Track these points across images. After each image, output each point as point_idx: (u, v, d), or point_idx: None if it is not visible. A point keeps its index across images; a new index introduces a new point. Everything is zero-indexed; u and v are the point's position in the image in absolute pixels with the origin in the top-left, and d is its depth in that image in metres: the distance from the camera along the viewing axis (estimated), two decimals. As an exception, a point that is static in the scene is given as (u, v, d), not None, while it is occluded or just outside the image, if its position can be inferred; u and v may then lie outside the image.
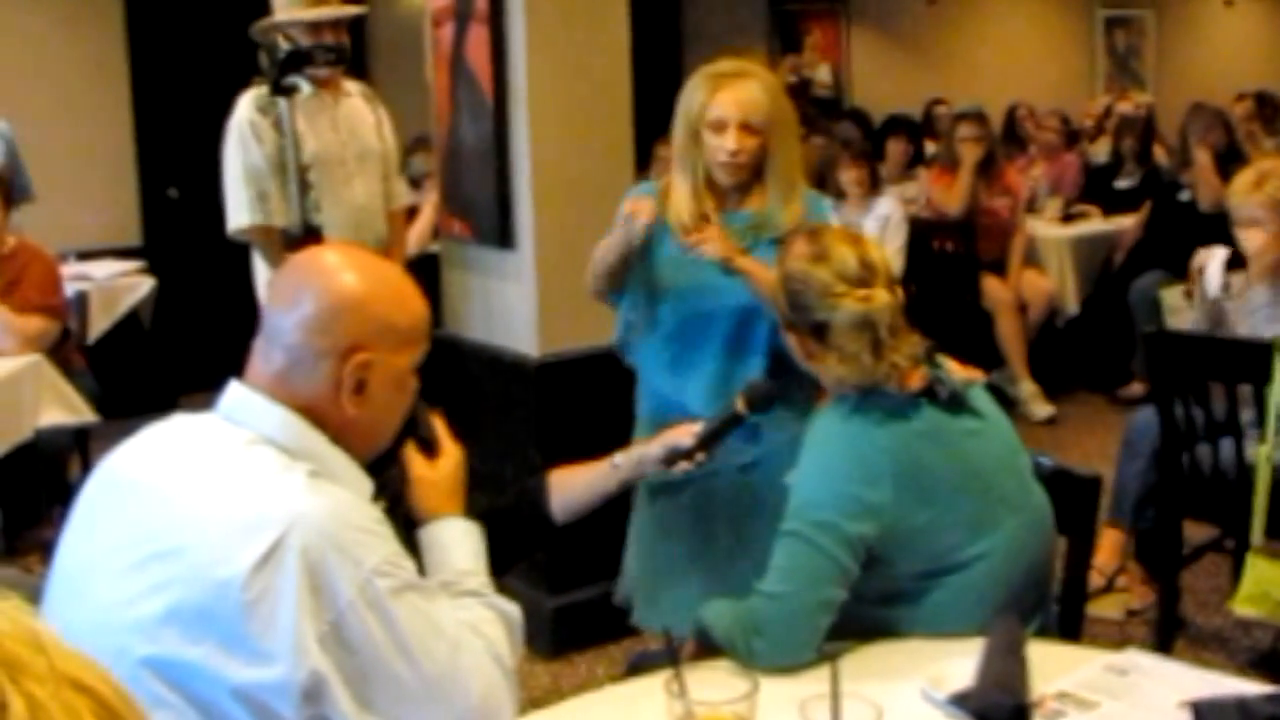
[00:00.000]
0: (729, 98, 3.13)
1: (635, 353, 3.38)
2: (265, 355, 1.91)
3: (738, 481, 3.19)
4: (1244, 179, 4.31)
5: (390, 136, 4.80)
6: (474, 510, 2.22)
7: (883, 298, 2.43)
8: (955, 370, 2.51)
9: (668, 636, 2.08)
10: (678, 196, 3.22)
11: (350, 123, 4.62)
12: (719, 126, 3.13)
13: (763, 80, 3.18)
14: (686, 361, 3.23)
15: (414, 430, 2.15)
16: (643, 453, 2.59)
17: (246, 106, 4.46)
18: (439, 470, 2.19)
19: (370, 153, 4.67)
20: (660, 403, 3.26)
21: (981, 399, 2.51)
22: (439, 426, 2.24)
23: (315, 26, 4.40)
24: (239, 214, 4.43)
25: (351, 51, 4.68)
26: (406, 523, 2.08)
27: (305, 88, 4.46)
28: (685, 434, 2.58)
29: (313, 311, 1.88)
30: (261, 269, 4.57)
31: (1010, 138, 9.52)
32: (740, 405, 2.60)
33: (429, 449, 2.19)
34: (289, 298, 1.91)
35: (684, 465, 2.58)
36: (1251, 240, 4.21)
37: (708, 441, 2.58)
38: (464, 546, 2.11)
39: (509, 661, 1.95)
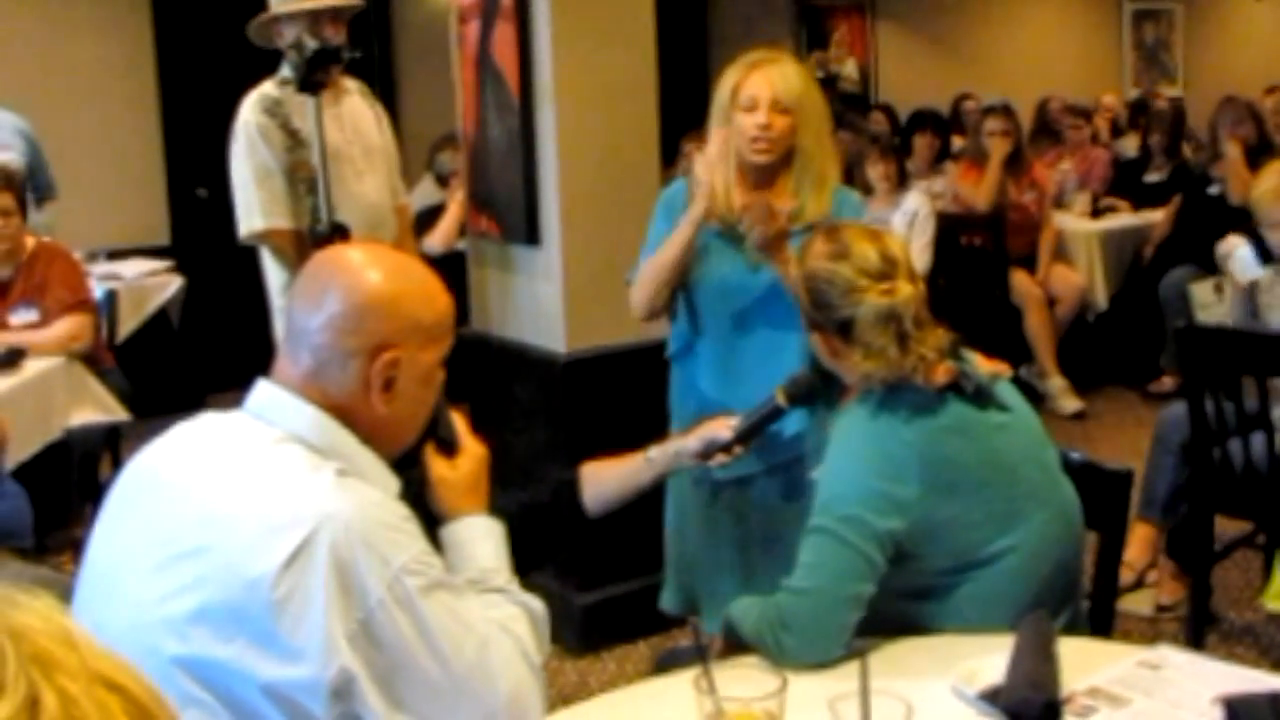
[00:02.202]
0: (760, 77, 3.19)
1: (685, 359, 3.37)
2: (292, 356, 1.91)
3: (769, 480, 3.20)
4: (1268, 184, 4.31)
5: (389, 133, 4.80)
6: (506, 506, 2.22)
7: (906, 290, 2.42)
8: (981, 364, 2.50)
9: (696, 633, 2.07)
10: (712, 188, 3.23)
11: (353, 120, 4.62)
12: (750, 105, 3.17)
13: (794, 65, 3.26)
14: (736, 361, 3.23)
15: (434, 429, 2.15)
16: (679, 446, 2.58)
17: (251, 109, 4.45)
18: (459, 469, 2.18)
19: (375, 149, 4.67)
20: (706, 405, 3.24)
21: (1008, 393, 2.50)
22: (460, 425, 2.23)
23: (315, 20, 4.40)
24: (251, 218, 4.43)
25: (376, 49, 4.68)
26: (429, 521, 2.07)
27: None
28: (723, 427, 2.57)
29: (340, 311, 1.87)
30: (274, 272, 4.56)
31: (1042, 131, 9.47)
32: (780, 398, 2.60)
33: (449, 448, 2.19)
34: (314, 298, 1.91)
35: (721, 458, 2.58)
36: None
37: (746, 435, 2.58)
38: (486, 545, 2.10)
39: (537, 658, 1.95)
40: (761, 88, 3.17)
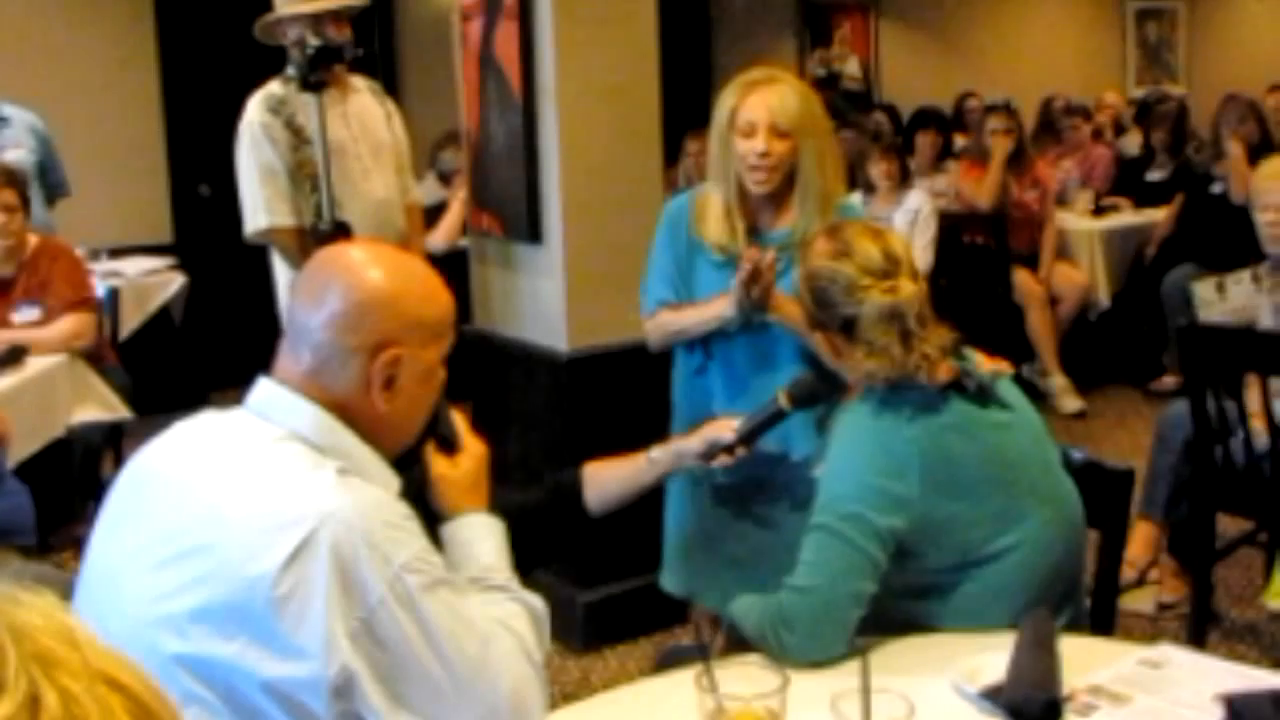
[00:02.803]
0: (758, 100, 3.11)
1: (696, 379, 3.36)
2: (293, 355, 1.91)
3: (779, 476, 3.20)
4: (1274, 165, 4.37)
5: (401, 131, 4.80)
6: (508, 505, 2.22)
7: (909, 288, 2.42)
8: (983, 362, 2.51)
9: (698, 631, 2.08)
10: (712, 212, 3.21)
11: (360, 118, 4.62)
12: (749, 130, 3.11)
13: (794, 86, 3.17)
14: (748, 383, 3.22)
15: (435, 428, 2.15)
16: (681, 447, 2.59)
17: (256, 108, 4.46)
18: (460, 467, 2.18)
19: (383, 147, 4.67)
20: (703, 406, 3.24)
21: (1010, 391, 2.51)
22: (461, 423, 2.24)
23: (317, 20, 4.40)
24: (256, 216, 4.44)
25: (379, 46, 4.68)
26: (430, 519, 2.07)
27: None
28: (725, 428, 2.58)
29: (341, 309, 1.88)
30: (281, 271, 4.58)
31: (1046, 130, 9.47)
32: (784, 401, 2.60)
33: (450, 446, 2.19)
34: (315, 296, 1.91)
35: (724, 460, 2.59)
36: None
37: (749, 437, 2.58)
38: (488, 542, 2.11)
39: (538, 656, 1.95)
40: (759, 112, 3.10)
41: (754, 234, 3.19)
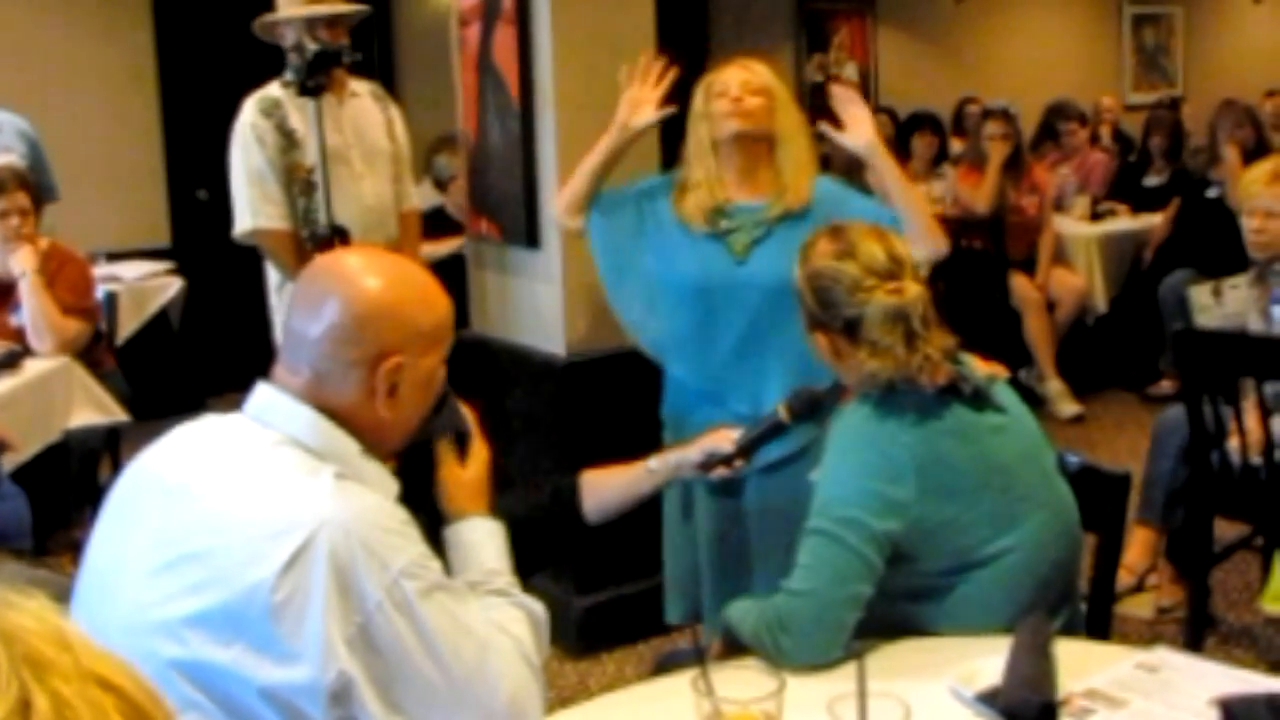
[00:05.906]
0: (731, 69, 3.35)
1: (665, 354, 3.41)
2: (291, 365, 1.91)
3: (762, 482, 3.21)
4: (1263, 169, 4.39)
5: (402, 137, 4.80)
6: (507, 512, 2.22)
7: (914, 289, 2.42)
8: (979, 367, 2.50)
9: (695, 634, 2.08)
10: (691, 188, 3.30)
11: (355, 123, 4.61)
12: (724, 90, 3.30)
13: (764, 65, 3.40)
14: (716, 355, 3.26)
15: (453, 427, 2.16)
16: (680, 457, 2.59)
17: (250, 110, 4.47)
18: (467, 470, 2.19)
19: (379, 153, 4.66)
20: (690, 399, 3.28)
21: (1006, 395, 2.50)
22: (471, 423, 2.24)
23: (310, 24, 4.40)
24: (243, 217, 4.46)
25: (377, 51, 4.67)
26: (432, 522, 2.07)
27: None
28: (724, 439, 2.58)
29: (340, 321, 1.87)
30: (271, 273, 4.59)
31: (1045, 135, 9.46)
32: (783, 413, 2.59)
33: (465, 447, 2.19)
34: (313, 307, 1.90)
35: (722, 471, 2.59)
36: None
37: (748, 448, 2.58)
38: (490, 546, 2.11)
39: (537, 660, 1.95)
40: (732, 75, 3.32)
41: (728, 206, 3.32)
